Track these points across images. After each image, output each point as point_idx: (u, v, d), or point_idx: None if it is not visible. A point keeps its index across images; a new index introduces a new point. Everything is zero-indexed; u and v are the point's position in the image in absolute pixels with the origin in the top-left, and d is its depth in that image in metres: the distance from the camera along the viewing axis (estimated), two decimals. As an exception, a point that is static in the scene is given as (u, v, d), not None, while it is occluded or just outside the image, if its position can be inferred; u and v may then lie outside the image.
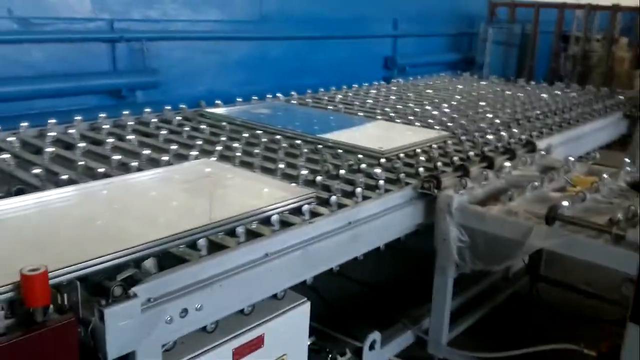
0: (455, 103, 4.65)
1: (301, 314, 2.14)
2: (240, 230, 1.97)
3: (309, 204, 2.22)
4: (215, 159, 2.80)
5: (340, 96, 4.83)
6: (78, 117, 3.31)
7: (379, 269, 3.71)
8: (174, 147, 2.87)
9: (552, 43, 8.28)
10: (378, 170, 2.66)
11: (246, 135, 3.27)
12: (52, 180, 2.39)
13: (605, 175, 2.75)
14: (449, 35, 8.42)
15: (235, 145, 3.00)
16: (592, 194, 2.59)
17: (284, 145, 3.12)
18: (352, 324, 2.99)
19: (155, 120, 3.56)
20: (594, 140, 4.44)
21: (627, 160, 2.99)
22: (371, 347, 2.62)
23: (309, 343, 2.32)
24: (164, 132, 3.21)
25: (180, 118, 3.70)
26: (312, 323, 2.23)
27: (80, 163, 2.55)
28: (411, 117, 4.02)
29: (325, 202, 2.30)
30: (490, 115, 4.15)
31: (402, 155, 3.08)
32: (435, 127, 3.76)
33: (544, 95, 5.15)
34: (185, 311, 1.71)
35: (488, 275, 3.37)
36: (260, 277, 1.95)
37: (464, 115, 4.19)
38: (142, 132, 3.35)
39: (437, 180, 2.59)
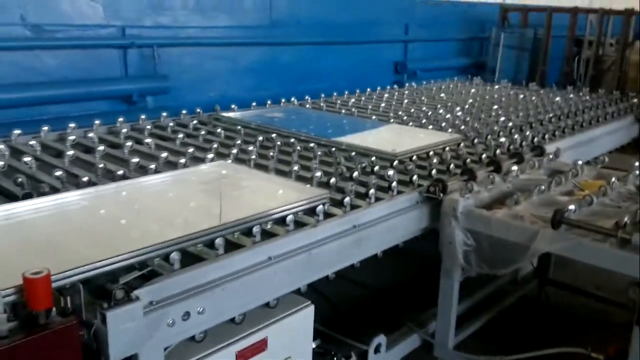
0: (467, 106, 4.67)
1: (305, 317, 2.14)
2: (256, 230, 2.00)
3: (323, 204, 2.25)
4: (230, 161, 2.86)
5: (353, 100, 4.88)
6: (97, 121, 3.42)
7: (385, 272, 3.70)
8: (190, 150, 2.92)
9: (564, 47, 8.21)
10: (391, 172, 2.68)
11: (261, 138, 3.33)
12: (72, 182, 2.46)
13: (613, 179, 2.72)
14: (460, 40, 8.39)
15: (250, 148, 3.05)
16: (599, 197, 2.57)
17: (298, 148, 3.17)
18: (358, 327, 2.99)
19: (172, 124, 3.63)
20: (605, 143, 4.41)
21: (637, 164, 2.96)
22: (376, 351, 2.62)
23: (314, 346, 2.33)
24: (180, 135, 3.28)
25: (195, 122, 3.78)
26: (317, 326, 2.24)
27: (100, 166, 2.61)
28: (424, 120, 4.05)
29: (339, 204, 2.32)
30: (503, 118, 4.16)
31: (414, 157, 3.10)
32: (448, 130, 3.77)
33: (557, 99, 5.13)
34: (187, 314, 1.73)
35: (496, 278, 3.35)
36: (263, 281, 1.96)
37: (476, 118, 4.21)
38: (159, 136, 3.43)
39: (443, 184, 2.59)
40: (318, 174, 2.56)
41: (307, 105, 4.62)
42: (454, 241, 2.51)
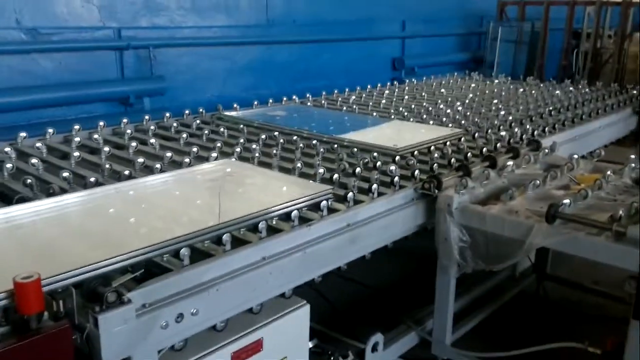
0: (468, 101, 4.69)
1: (301, 317, 2.14)
2: (262, 225, 2.02)
3: (326, 200, 2.28)
4: (234, 159, 2.89)
5: (354, 97, 4.90)
6: (101, 123, 3.48)
7: (383, 270, 3.71)
8: (194, 149, 2.95)
9: (562, 40, 8.18)
10: (393, 167, 2.70)
11: (263, 136, 3.36)
12: (79, 183, 2.48)
13: (609, 172, 2.71)
14: (458, 35, 8.38)
15: (254, 146, 3.08)
16: (595, 191, 2.56)
17: (301, 145, 3.20)
18: (355, 325, 2.99)
19: (175, 124, 3.66)
20: (604, 136, 4.41)
21: (632, 156, 2.95)
22: (374, 349, 2.61)
23: (310, 346, 2.33)
24: (184, 135, 3.31)
25: (198, 122, 3.82)
26: (314, 325, 2.24)
27: (106, 166, 2.64)
28: (425, 116, 4.07)
29: (342, 199, 2.34)
30: (503, 112, 4.18)
31: (416, 152, 3.13)
32: (449, 124, 3.80)
33: (557, 92, 5.15)
34: (181, 316, 1.73)
35: (494, 274, 3.35)
36: (257, 281, 1.96)
37: (477, 112, 4.23)
38: (163, 136, 3.47)
39: (438, 181, 2.59)
40: (321, 170, 2.59)
41: (308, 103, 4.66)
42: (449, 237, 2.51)
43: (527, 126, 3.73)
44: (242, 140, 3.21)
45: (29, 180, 2.39)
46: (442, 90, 5.31)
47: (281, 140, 3.26)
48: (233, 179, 2.58)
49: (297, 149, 3.11)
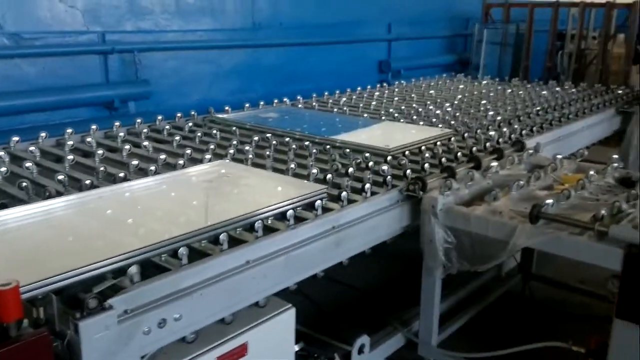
0: (457, 102, 4.76)
1: (286, 320, 2.13)
2: (258, 225, 2.05)
3: (321, 199, 2.30)
4: (228, 161, 2.92)
5: (344, 99, 4.95)
6: (94, 126, 3.51)
7: (370, 272, 3.71)
8: (188, 151, 2.97)
9: (547, 42, 8.25)
10: (385, 167, 2.73)
11: (256, 138, 3.39)
12: (74, 187, 2.49)
13: (591, 172, 2.74)
14: (444, 37, 8.41)
15: (247, 148, 3.11)
16: (578, 191, 2.58)
17: (294, 146, 3.24)
18: (342, 327, 2.99)
19: (167, 127, 3.69)
20: (588, 136, 4.45)
21: (614, 156, 2.98)
22: (360, 351, 2.61)
23: (296, 349, 2.32)
24: (177, 137, 3.34)
25: (191, 124, 3.86)
26: (300, 328, 2.23)
27: (100, 169, 2.65)
28: (415, 117, 4.13)
29: (336, 198, 2.37)
30: (491, 113, 4.25)
31: (407, 152, 3.18)
32: (439, 125, 3.85)
33: (544, 92, 5.25)
34: (163, 321, 1.71)
35: (480, 274, 3.36)
36: (242, 285, 1.95)
37: (466, 113, 4.31)
38: (156, 139, 3.49)
39: (423, 182, 2.60)
40: (314, 170, 2.62)
41: (300, 105, 4.71)
42: (434, 239, 2.52)
43: (515, 126, 3.79)
44: (234, 142, 3.24)
45: (24, 184, 2.40)
46: (431, 91, 5.36)
47: (274, 142, 3.29)
48: (228, 179, 2.62)
49: (289, 150, 3.15)
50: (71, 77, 4.68)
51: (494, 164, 2.91)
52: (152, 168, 2.68)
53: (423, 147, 3.27)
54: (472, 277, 3.41)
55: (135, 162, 2.73)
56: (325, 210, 2.31)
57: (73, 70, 4.70)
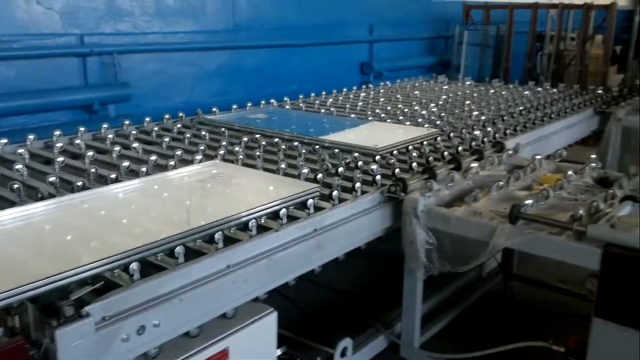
0: (441, 102, 4.83)
1: (267, 324, 2.11)
2: (252, 224, 2.07)
3: (313, 198, 2.32)
4: (219, 161, 2.92)
5: (331, 100, 4.98)
6: (82, 128, 3.49)
7: (353, 274, 3.71)
8: (178, 152, 2.97)
9: (527, 43, 8.33)
10: (374, 167, 2.77)
11: (245, 139, 3.40)
12: (66, 188, 2.47)
13: (570, 172, 2.77)
14: (425, 39, 8.45)
15: (237, 148, 3.12)
16: (556, 191, 2.61)
17: (283, 147, 3.26)
18: (325, 330, 2.98)
19: (156, 128, 3.70)
20: (567, 136, 4.50)
21: (592, 156, 3.02)
22: (343, 354, 2.61)
23: (279, 353, 2.31)
24: (166, 139, 3.33)
25: (179, 126, 3.86)
26: (283, 332, 2.22)
27: (91, 171, 2.64)
28: (401, 117, 4.19)
29: (328, 197, 2.41)
30: (476, 113, 4.32)
31: (395, 152, 3.21)
32: (425, 125, 3.91)
33: (527, 92, 5.36)
34: (142, 328, 1.68)
35: (461, 275, 3.38)
36: (222, 290, 1.93)
37: (451, 113, 4.37)
38: (145, 141, 3.48)
39: (403, 184, 2.60)
40: (305, 170, 2.63)
41: (287, 106, 4.75)
42: (415, 240, 2.52)
43: (500, 125, 3.86)
44: (224, 143, 3.25)
45: (15, 186, 2.37)
46: (416, 92, 5.44)
47: (263, 143, 3.32)
48: (220, 179, 2.63)
49: (279, 151, 3.17)
50: (49, 80, 4.61)
51: (474, 164, 2.93)
52: (144, 169, 2.69)
53: (410, 147, 3.32)
54: (454, 277, 3.43)
55: (125, 164, 2.73)
56: (317, 209, 2.34)
57: (51, 73, 4.64)
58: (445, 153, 3.16)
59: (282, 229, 2.16)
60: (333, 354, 2.57)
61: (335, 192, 2.40)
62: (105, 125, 3.60)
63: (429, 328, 3.07)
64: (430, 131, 3.65)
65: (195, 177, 2.65)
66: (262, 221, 2.17)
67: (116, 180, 2.56)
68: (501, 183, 2.69)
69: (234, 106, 4.40)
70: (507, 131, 3.75)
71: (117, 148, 3.07)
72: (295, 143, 3.29)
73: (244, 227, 2.09)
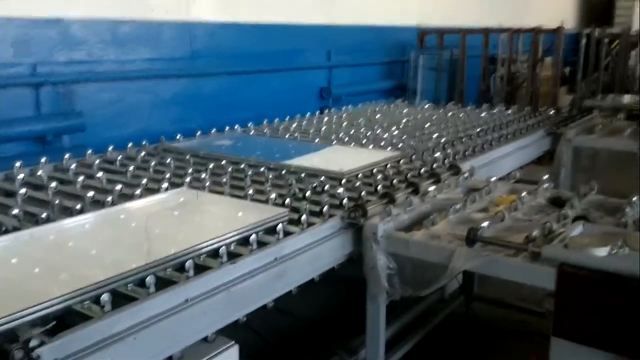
0: (402, 126, 4.95)
1: (228, 358, 2.07)
2: (222, 251, 2.10)
3: (282, 222, 2.36)
4: (186, 189, 2.92)
5: (295, 124, 5.06)
6: (43, 159, 3.44)
7: (317, 300, 3.67)
8: (143, 181, 2.94)
9: (480, 66, 8.58)
10: (340, 190, 2.83)
11: (211, 165, 3.40)
12: (30, 221, 2.43)
13: (523, 194, 2.83)
14: (382, 64, 8.60)
15: (203, 175, 3.12)
16: (511, 212, 2.66)
17: (249, 172, 3.26)
18: (290, 359, 2.94)
19: (119, 157, 3.66)
20: (520, 157, 4.62)
21: (544, 177, 3.10)
22: (307, 384, 2.58)
23: (242, 385, 2.26)
24: (130, 168, 3.31)
25: (143, 154, 3.84)
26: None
27: (55, 202, 2.61)
28: (364, 141, 4.27)
29: (297, 222, 2.46)
30: (435, 135, 4.43)
31: (360, 175, 3.28)
32: (388, 148, 4.01)
33: (483, 114, 5.57)
34: (97, 369, 1.63)
35: (424, 298, 3.39)
36: (180, 325, 1.89)
37: (412, 136, 4.48)
38: (109, 170, 3.43)
39: (363, 209, 2.61)
40: (272, 195, 2.67)
41: (251, 132, 4.79)
42: (376, 265, 2.53)
43: (458, 147, 3.97)
44: (190, 170, 3.26)
45: None
46: (377, 116, 5.56)
47: (229, 169, 3.33)
48: (189, 207, 2.63)
49: (246, 177, 3.18)
50: (0, 111, 4.49)
51: (432, 188, 2.97)
52: (109, 199, 2.65)
53: (375, 170, 3.40)
54: (416, 301, 3.44)
55: (90, 194, 2.69)
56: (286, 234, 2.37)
57: (2, 103, 4.51)
58: (409, 175, 3.23)
59: (240, 260, 2.13)
60: (296, 384, 2.53)
61: (304, 217, 2.44)
62: (67, 156, 3.55)
63: (394, 353, 3.07)
64: (392, 154, 3.74)
65: (163, 206, 2.64)
66: (232, 248, 2.19)
67: (81, 211, 2.52)
68: (458, 206, 2.74)
69: (198, 132, 4.39)
70: (466, 152, 3.85)
71: (80, 178, 3.04)
72: (262, 168, 3.33)
73: (215, 254, 2.11)
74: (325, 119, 5.46)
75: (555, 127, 5.06)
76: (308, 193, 2.80)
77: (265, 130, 4.83)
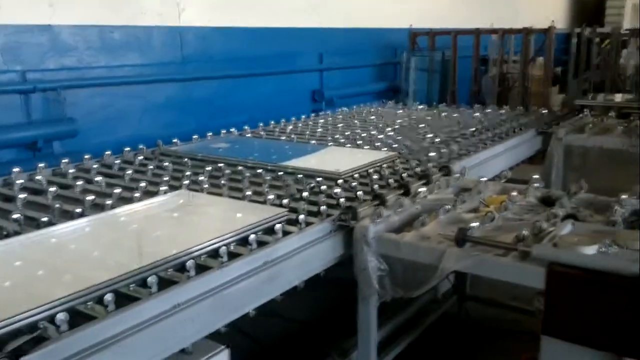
0: (397, 126, 5.00)
1: (219, 363, 2.07)
2: (223, 250, 2.14)
3: (280, 223, 2.39)
4: (186, 191, 2.95)
5: (290, 127, 5.08)
6: (41, 164, 3.43)
7: (310, 303, 3.67)
8: (142, 184, 2.97)
9: (471, 67, 8.60)
10: (337, 190, 2.87)
11: (209, 168, 3.43)
12: (31, 225, 2.45)
13: (514, 193, 2.84)
14: (374, 66, 8.62)
15: (201, 178, 3.15)
16: (501, 212, 2.67)
17: (247, 174, 3.29)
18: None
19: (117, 161, 3.70)
20: (511, 157, 4.63)
21: (535, 176, 3.10)
22: (299, 387, 2.58)
23: (234, 390, 2.25)
24: (128, 171, 3.33)
25: (141, 157, 3.85)
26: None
27: (56, 206, 2.63)
28: (360, 142, 4.31)
29: (295, 222, 2.48)
30: (430, 135, 4.48)
31: (356, 175, 3.32)
32: (383, 148, 4.05)
33: (477, 114, 5.61)
34: (84, 377, 1.63)
35: (417, 298, 3.40)
36: (169, 330, 1.88)
37: (407, 137, 4.51)
38: (108, 174, 3.44)
39: (353, 212, 2.61)
40: (271, 196, 2.71)
41: (248, 135, 4.81)
42: (367, 267, 2.53)
43: (453, 147, 3.99)
44: (188, 173, 3.29)
45: None
46: (372, 117, 5.61)
47: (227, 171, 3.38)
48: (189, 209, 2.67)
49: (244, 178, 3.21)
50: (-10, 118, 4.48)
51: (423, 189, 2.97)
52: (108, 202, 2.68)
53: (371, 170, 3.43)
54: (410, 301, 3.44)
55: (90, 198, 2.71)
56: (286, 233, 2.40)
57: (-8, 110, 4.51)
58: (404, 174, 3.27)
59: (230, 264, 2.13)
60: (289, 388, 2.53)
61: (301, 217, 2.47)
62: (65, 160, 3.57)
63: (387, 354, 3.07)
64: (388, 154, 3.78)
65: (163, 208, 2.67)
66: (232, 248, 2.22)
67: (82, 215, 2.54)
68: (448, 206, 2.74)
69: (195, 136, 4.44)
70: (461, 152, 3.89)
71: (79, 182, 3.05)
72: (259, 170, 3.36)
73: (215, 254, 2.14)
74: (321, 121, 5.51)
75: (546, 126, 5.07)
76: (305, 193, 2.83)
77: (261, 133, 4.87)
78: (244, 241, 2.25)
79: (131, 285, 1.88)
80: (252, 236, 2.24)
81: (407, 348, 3.22)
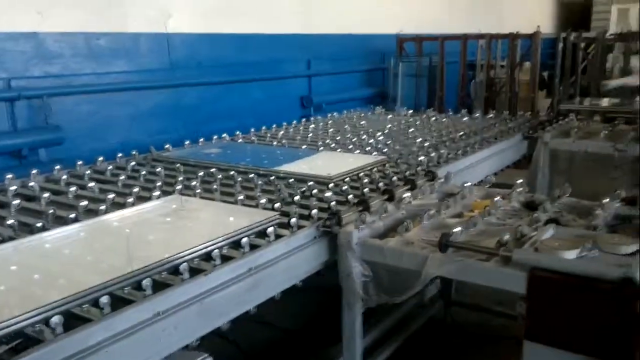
0: (387, 131, 5.04)
1: (202, 371, 2.07)
2: (215, 253, 2.18)
3: (272, 226, 2.43)
4: (179, 196, 2.98)
5: (282, 132, 5.11)
6: (34, 171, 3.44)
7: (295, 310, 3.67)
8: (135, 190, 2.97)
9: (459, 72, 8.65)
10: (328, 194, 2.91)
11: (201, 173, 3.44)
12: (25, 230, 2.47)
13: (497, 198, 2.86)
14: (362, 72, 8.66)
15: (194, 183, 3.16)
16: (485, 217, 2.68)
17: (239, 179, 3.32)
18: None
19: (110, 167, 3.70)
20: (497, 162, 4.66)
21: (519, 181, 3.13)
22: (284, 394, 2.57)
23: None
24: (121, 177, 3.37)
25: (133, 163, 3.88)
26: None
27: (50, 212, 2.65)
28: (350, 146, 4.37)
29: (287, 225, 2.51)
30: (419, 140, 4.54)
31: (347, 179, 3.36)
32: (373, 153, 4.11)
33: (465, 119, 5.71)
34: (66, 385, 1.62)
35: (403, 303, 3.40)
36: (152, 339, 1.88)
37: (396, 141, 4.56)
38: (100, 180, 3.45)
39: (338, 217, 2.62)
40: (262, 200, 2.75)
41: (239, 140, 4.85)
42: (351, 273, 2.54)
43: (442, 150, 4.04)
44: (181, 179, 3.32)
45: None
46: (362, 122, 5.68)
47: (219, 176, 3.40)
48: (181, 213, 2.70)
49: (236, 183, 3.24)
50: (-26, 127, 4.46)
51: (407, 194, 2.99)
52: (102, 208, 2.69)
53: (361, 174, 3.48)
54: (395, 306, 3.44)
55: (83, 203, 2.72)
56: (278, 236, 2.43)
57: (-24, 119, 4.48)
58: (394, 178, 3.31)
59: (214, 271, 2.13)
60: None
61: (293, 220, 2.49)
62: (57, 167, 3.58)
63: (373, 359, 3.06)
64: (378, 158, 3.83)
65: (156, 212, 2.69)
66: (225, 251, 2.26)
67: (75, 220, 2.56)
68: (432, 212, 2.75)
69: (187, 142, 4.47)
70: (449, 156, 3.93)
71: (72, 189, 3.06)
72: (251, 175, 3.38)
73: (207, 258, 2.18)
74: (312, 126, 5.56)
75: (532, 130, 5.11)
76: (297, 197, 2.86)
77: (252, 138, 4.90)
78: (235, 244, 2.31)
79: (126, 288, 1.94)
80: (245, 239, 2.28)
81: (393, 354, 3.22)
